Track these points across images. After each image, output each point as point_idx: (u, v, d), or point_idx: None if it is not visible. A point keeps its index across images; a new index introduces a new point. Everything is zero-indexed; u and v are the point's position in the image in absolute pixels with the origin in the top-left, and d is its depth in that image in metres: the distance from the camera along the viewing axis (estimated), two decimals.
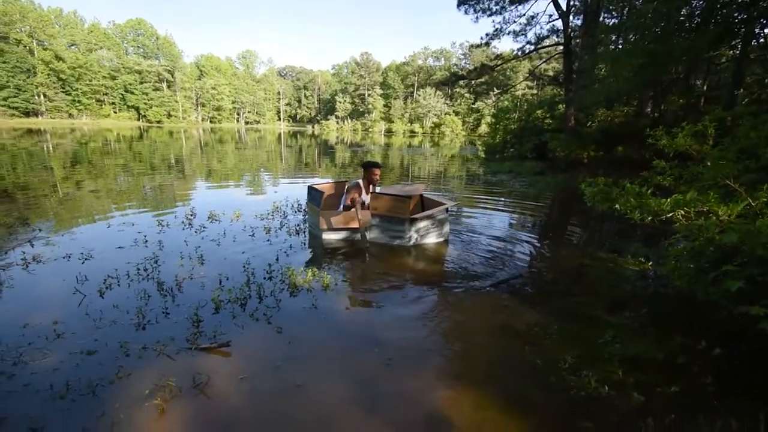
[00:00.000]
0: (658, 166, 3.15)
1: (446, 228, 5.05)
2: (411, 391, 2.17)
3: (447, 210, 5.02)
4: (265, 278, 3.59)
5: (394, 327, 2.85)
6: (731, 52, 11.32)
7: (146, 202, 7.00)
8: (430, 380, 2.29)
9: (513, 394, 2.16)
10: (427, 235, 4.84)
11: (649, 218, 2.66)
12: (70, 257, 4.03)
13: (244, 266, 3.80)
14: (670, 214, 2.53)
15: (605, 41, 13.23)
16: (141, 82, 64.12)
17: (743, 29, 8.63)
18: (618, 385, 2.18)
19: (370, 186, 4.88)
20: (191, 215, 5.75)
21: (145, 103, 65.00)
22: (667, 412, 1.97)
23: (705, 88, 14.41)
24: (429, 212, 4.79)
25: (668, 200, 2.49)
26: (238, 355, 2.46)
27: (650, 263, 4.00)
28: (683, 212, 2.48)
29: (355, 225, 4.59)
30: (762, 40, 9.08)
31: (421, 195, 5.21)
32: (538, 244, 5.05)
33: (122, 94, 63.30)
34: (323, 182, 5.40)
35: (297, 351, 2.52)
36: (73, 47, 60.35)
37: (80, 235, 4.90)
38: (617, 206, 2.94)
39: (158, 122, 64.74)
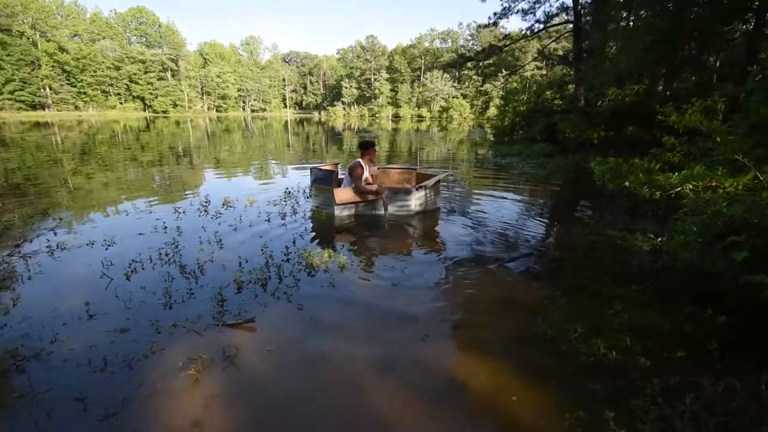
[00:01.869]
0: (668, 143, 3.17)
1: (438, 197, 5.86)
2: (430, 359, 2.31)
3: (439, 181, 5.70)
4: (283, 260, 3.73)
5: (410, 303, 2.97)
6: (744, 27, 10.97)
7: (160, 191, 7.17)
8: (448, 348, 2.43)
9: (526, 361, 2.28)
10: (426, 203, 5.46)
11: (658, 193, 2.71)
12: (93, 244, 4.19)
13: (262, 249, 3.93)
14: (679, 189, 2.59)
15: (616, 18, 12.90)
16: (145, 72, 63.94)
17: (756, 3, 8.38)
18: (625, 351, 2.28)
19: (369, 164, 5.41)
20: (206, 202, 5.89)
21: (151, 93, 64.98)
22: (673, 374, 2.06)
23: (717, 64, 14.04)
24: (431, 180, 5.46)
25: (677, 175, 2.54)
26: (262, 330, 2.60)
27: (659, 240, 4.05)
28: (691, 186, 2.53)
29: (372, 197, 5.08)
30: None
31: (416, 169, 5.87)
32: (548, 224, 5.12)
33: (127, 85, 63.24)
34: (323, 166, 5.58)
35: (319, 326, 2.67)
36: (76, 38, 60.19)
37: (100, 223, 5.07)
38: (627, 183, 3.00)
39: (164, 112, 64.80)
